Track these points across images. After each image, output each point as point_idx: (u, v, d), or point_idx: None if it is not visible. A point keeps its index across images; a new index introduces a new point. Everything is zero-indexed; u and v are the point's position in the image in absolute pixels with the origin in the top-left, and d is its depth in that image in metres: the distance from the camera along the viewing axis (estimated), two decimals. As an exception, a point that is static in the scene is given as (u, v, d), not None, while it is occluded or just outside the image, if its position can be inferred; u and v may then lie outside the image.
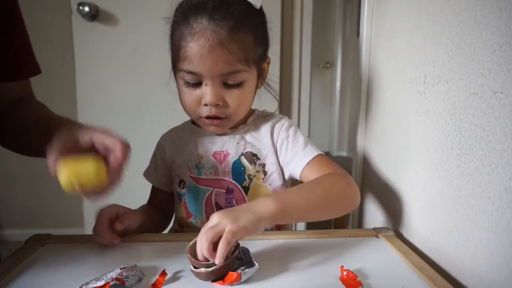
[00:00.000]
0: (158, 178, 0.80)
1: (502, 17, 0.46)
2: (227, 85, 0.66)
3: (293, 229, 0.86)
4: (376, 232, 0.68)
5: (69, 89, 1.66)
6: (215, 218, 0.52)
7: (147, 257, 0.59)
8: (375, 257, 0.59)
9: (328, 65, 4.03)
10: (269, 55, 0.74)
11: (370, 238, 0.67)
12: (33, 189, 2.12)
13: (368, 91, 0.93)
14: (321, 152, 0.72)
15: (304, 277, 0.52)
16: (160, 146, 0.80)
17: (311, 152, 0.71)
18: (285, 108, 1.81)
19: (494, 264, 0.48)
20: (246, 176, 0.72)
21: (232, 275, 0.50)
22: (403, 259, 0.58)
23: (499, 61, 0.46)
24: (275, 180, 0.74)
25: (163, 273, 0.52)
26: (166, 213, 0.82)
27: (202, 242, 0.49)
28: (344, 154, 3.98)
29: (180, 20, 0.64)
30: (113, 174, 0.55)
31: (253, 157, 0.73)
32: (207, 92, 0.65)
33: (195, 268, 0.51)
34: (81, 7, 1.44)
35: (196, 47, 0.62)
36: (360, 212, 1.00)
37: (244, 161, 0.73)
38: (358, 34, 1.01)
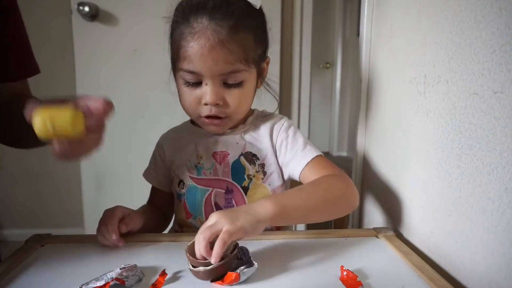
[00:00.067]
0: (158, 178, 0.80)
1: (502, 17, 0.46)
2: (227, 85, 0.66)
3: (293, 229, 0.86)
4: (376, 232, 0.68)
5: (69, 89, 1.66)
6: (213, 218, 0.52)
7: (147, 257, 0.59)
8: (375, 257, 0.59)
9: (328, 65, 4.03)
10: (268, 55, 0.74)
11: (370, 238, 0.67)
12: (33, 189, 2.12)
13: (368, 91, 0.93)
14: (320, 153, 0.72)
15: (304, 277, 0.52)
16: (159, 147, 0.80)
17: (310, 153, 0.71)
18: (285, 108, 1.81)
19: (494, 264, 0.48)
20: (245, 176, 0.72)
21: (231, 275, 0.49)
22: (403, 259, 0.58)
23: (499, 61, 0.46)
24: (274, 180, 0.74)
25: (163, 273, 0.52)
26: (166, 213, 0.82)
27: (199, 241, 0.50)
28: (344, 154, 3.98)
29: (180, 20, 0.64)
30: (92, 126, 0.50)
31: (253, 157, 0.73)
32: (207, 91, 0.65)
33: (194, 267, 0.51)
34: (81, 7, 1.44)
35: (196, 47, 0.62)
36: (360, 212, 1.00)
37: (244, 161, 0.73)
38: (358, 34, 1.01)
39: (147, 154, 0.82)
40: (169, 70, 0.72)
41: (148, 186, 0.83)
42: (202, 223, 0.72)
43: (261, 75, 0.72)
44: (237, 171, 0.72)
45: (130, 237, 0.65)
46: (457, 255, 0.56)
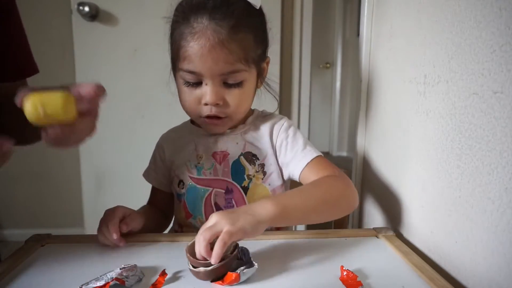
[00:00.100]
0: (158, 178, 0.80)
1: (502, 17, 0.46)
2: (227, 85, 0.66)
3: (293, 229, 0.86)
4: (376, 232, 0.68)
5: (69, 89, 1.66)
6: (214, 219, 0.52)
7: (147, 257, 0.59)
8: (375, 257, 0.59)
9: (328, 65, 4.03)
10: (268, 55, 0.74)
11: (370, 238, 0.67)
12: (33, 189, 2.12)
13: (368, 91, 0.93)
14: (320, 154, 0.72)
15: (304, 277, 0.52)
16: (159, 147, 0.80)
17: (310, 154, 0.71)
18: (285, 108, 1.81)
19: (494, 264, 0.48)
20: (245, 176, 0.72)
21: (231, 275, 0.49)
22: (403, 259, 0.58)
23: (499, 61, 0.46)
24: (274, 180, 0.74)
25: (163, 273, 0.52)
26: (167, 213, 0.82)
27: (199, 242, 0.50)
28: (344, 154, 3.98)
29: (180, 20, 0.64)
30: (84, 110, 0.50)
31: (253, 157, 0.73)
32: (207, 91, 0.65)
33: (194, 267, 0.51)
34: (81, 7, 1.44)
35: (196, 47, 0.62)
36: (360, 212, 1.00)
37: (244, 161, 0.73)
38: (358, 34, 1.01)
39: (147, 154, 0.82)
40: (169, 70, 0.72)
41: (148, 186, 0.83)
42: (202, 223, 0.72)
43: (261, 75, 0.73)
44: (237, 171, 0.72)
45: (130, 237, 0.65)
46: (457, 255, 0.56)
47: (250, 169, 0.73)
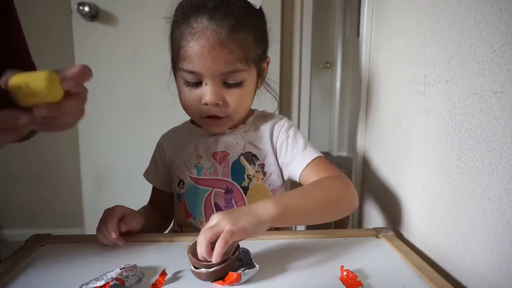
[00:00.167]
0: (158, 178, 0.80)
1: (502, 17, 0.46)
2: (227, 85, 0.66)
3: (293, 229, 0.86)
4: (376, 232, 0.68)
5: (69, 89, 1.66)
6: (215, 219, 0.52)
7: (147, 257, 0.59)
8: (375, 257, 0.59)
9: (328, 65, 4.03)
10: (268, 55, 0.74)
11: (370, 238, 0.67)
12: (33, 189, 2.12)
13: (368, 91, 0.93)
14: (320, 154, 0.72)
15: (304, 277, 0.52)
16: (159, 147, 0.80)
17: (310, 154, 0.71)
18: (285, 108, 1.81)
19: (494, 264, 0.48)
20: (245, 176, 0.72)
21: (232, 275, 0.49)
22: (403, 259, 0.58)
23: (499, 61, 0.46)
24: (274, 181, 0.74)
25: (163, 273, 0.52)
26: (167, 213, 0.82)
27: (200, 242, 0.49)
28: (344, 154, 3.98)
29: (180, 20, 0.64)
30: (69, 89, 0.51)
31: (253, 158, 0.73)
32: (207, 91, 0.65)
33: (196, 268, 0.51)
34: (81, 7, 1.44)
35: (196, 47, 0.62)
36: (360, 212, 1.00)
37: (244, 161, 0.73)
38: (358, 34, 1.01)
39: (147, 154, 0.82)
40: (169, 70, 0.72)
41: (149, 186, 0.83)
42: (202, 223, 0.73)
43: (261, 75, 0.73)
44: (237, 171, 0.72)
45: (130, 237, 0.65)
46: (457, 255, 0.56)
47: (250, 169, 0.73)
